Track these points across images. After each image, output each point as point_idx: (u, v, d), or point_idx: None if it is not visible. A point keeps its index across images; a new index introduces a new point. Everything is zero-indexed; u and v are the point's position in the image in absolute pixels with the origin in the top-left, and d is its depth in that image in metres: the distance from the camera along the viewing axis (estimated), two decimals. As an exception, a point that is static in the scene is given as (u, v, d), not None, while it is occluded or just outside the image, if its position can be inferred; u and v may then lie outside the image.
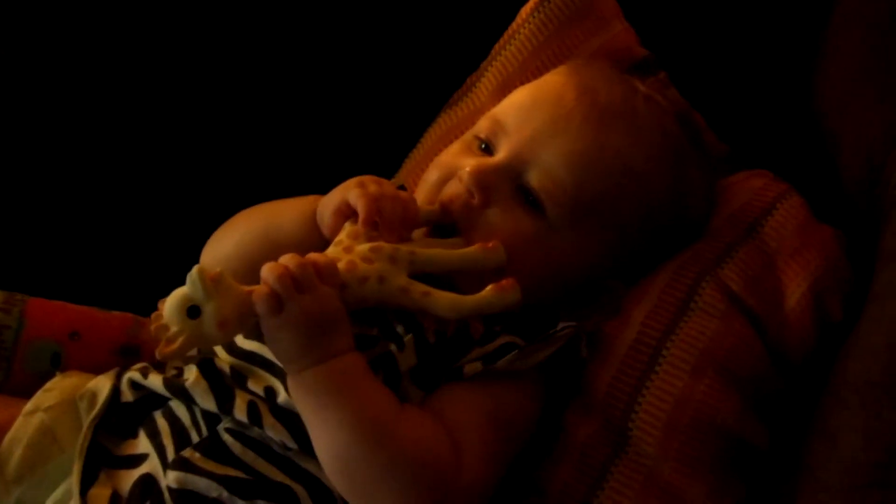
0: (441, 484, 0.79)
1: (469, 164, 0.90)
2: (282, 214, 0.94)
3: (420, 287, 0.83)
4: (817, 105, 1.07)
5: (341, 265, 0.82)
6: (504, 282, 0.84)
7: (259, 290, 0.78)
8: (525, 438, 0.87)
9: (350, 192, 0.87)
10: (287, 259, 0.80)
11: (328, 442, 0.79)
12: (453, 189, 0.90)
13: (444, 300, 0.83)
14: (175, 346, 0.75)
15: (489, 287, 0.83)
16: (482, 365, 0.84)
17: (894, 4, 0.98)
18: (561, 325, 0.87)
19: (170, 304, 0.77)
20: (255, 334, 0.79)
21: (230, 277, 0.78)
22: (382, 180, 0.90)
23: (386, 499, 0.78)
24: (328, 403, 0.78)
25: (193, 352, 0.82)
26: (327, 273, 0.80)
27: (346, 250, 0.84)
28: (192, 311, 0.76)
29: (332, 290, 0.80)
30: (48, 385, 0.91)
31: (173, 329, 0.76)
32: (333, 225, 0.88)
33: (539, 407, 0.88)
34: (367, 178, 0.89)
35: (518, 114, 0.93)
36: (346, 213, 0.87)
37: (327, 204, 0.90)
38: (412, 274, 0.84)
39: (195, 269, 0.76)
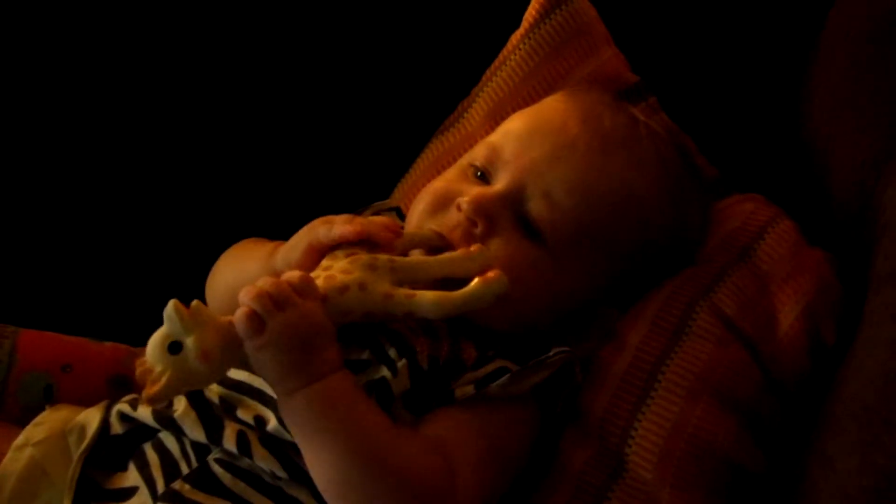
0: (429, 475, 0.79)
1: (468, 192, 0.90)
2: (247, 271, 0.93)
3: (404, 290, 0.81)
4: (806, 128, 1.07)
5: (319, 280, 0.81)
6: (489, 273, 0.82)
7: (239, 313, 0.76)
8: (520, 464, 0.87)
9: (331, 225, 0.85)
10: (262, 281, 0.78)
11: (324, 465, 0.78)
12: (452, 218, 0.90)
13: (429, 299, 0.80)
14: (160, 385, 0.73)
15: (475, 280, 0.82)
16: (474, 389, 0.84)
17: (876, 29, 0.98)
18: (554, 351, 0.87)
19: (151, 345, 0.75)
20: (242, 363, 0.78)
21: (207, 309, 0.77)
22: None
23: None
24: (323, 426, 0.77)
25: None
26: (303, 287, 0.79)
27: (325, 269, 0.83)
28: (172, 347, 0.74)
29: (313, 303, 0.78)
30: (38, 419, 0.91)
31: (157, 369, 0.74)
32: (305, 263, 0.86)
33: (534, 432, 0.87)
34: (330, 217, 0.88)
35: (518, 141, 0.92)
36: (321, 249, 0.86)
37: (294, 247, 0.88)
38: (395, 283, 0.82)
39: (170, 303, 0.75)
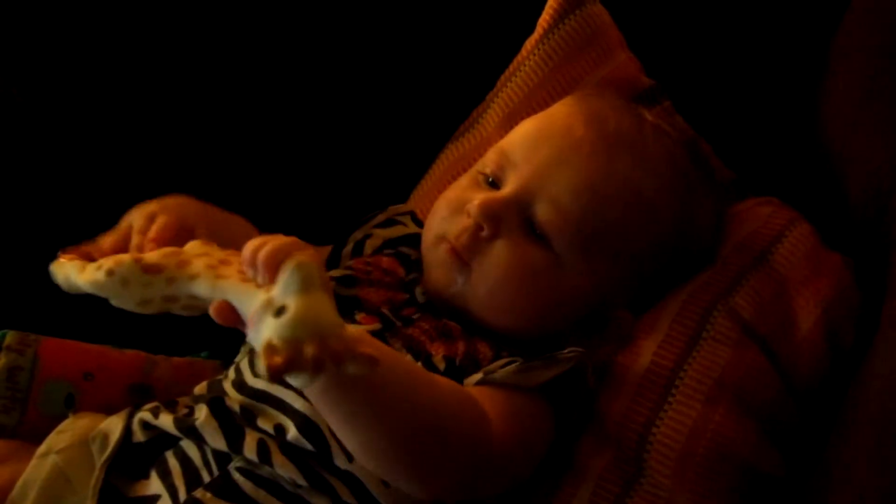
0: (480, 447, 0.77)
1: (477, 198, 0.90)
2: None
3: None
4: (823, 132, 1.07)
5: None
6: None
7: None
8: (535, 457, 0.86)
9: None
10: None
11: (388, 419, 0.73)
12: (461, 223, 0.91)
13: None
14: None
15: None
16: (483, 374, 0.84)
17: (891, 32, 0.98)
18: (567, 349, 0.87)
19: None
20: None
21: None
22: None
23: (438, 464, 0.76)
24: (383, 382, 0.72)
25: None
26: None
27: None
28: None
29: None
30: (61, 427, 0.91)
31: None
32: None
33: (545, 429, 0.86)
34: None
35: (525, 145, 0.93)
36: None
37: None
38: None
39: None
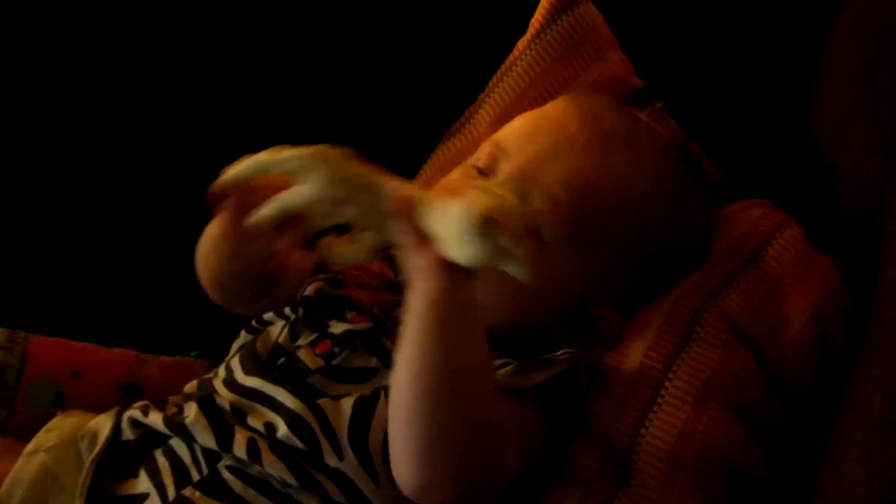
0: (502, 447, 0.77)
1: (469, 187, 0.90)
2: None
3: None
4: (813, 134, 1.07)
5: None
6: None
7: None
8: (528, 461, 0.85)
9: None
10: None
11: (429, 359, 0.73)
12: None
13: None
14: None
15: None
16: None
17: (883, 33, 0.98)
18: (562, 351, 0.87)
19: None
20: None
21: None
22: None
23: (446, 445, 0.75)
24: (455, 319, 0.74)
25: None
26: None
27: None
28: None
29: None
30: (49, 425, 0.91)
31: None
32: None
33: (539, 433, 0.86)
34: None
35: (520, 138, 0.93)
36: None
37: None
38: None
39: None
